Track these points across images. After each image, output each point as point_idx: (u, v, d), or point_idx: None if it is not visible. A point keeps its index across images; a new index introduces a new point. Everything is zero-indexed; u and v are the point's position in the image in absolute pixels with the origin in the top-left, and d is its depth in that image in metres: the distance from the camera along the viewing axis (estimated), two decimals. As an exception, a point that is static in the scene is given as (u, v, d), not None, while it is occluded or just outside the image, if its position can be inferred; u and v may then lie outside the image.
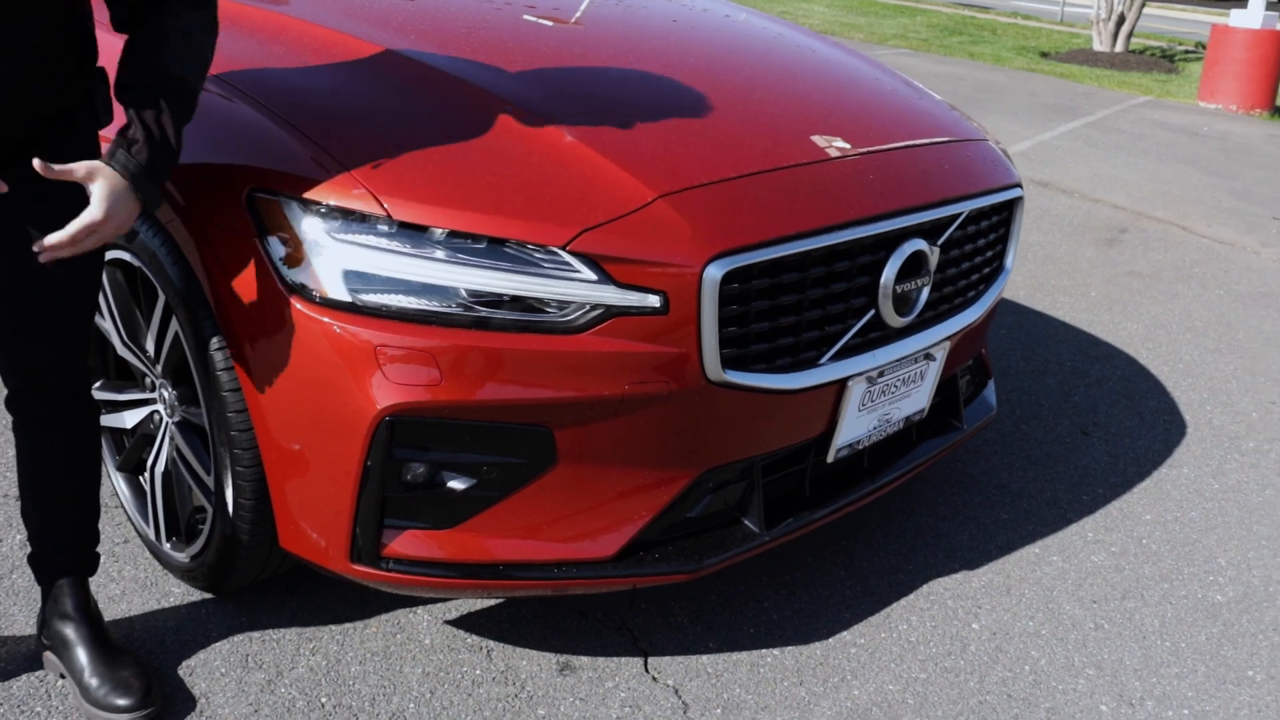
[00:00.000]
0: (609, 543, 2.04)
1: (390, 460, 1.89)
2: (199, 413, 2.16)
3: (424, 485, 1.96)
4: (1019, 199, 2.60)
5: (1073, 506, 2.90)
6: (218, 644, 2.23)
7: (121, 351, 2.35)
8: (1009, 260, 2.64)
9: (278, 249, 1.90)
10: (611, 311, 1.88)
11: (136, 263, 2.17)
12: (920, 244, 2.24)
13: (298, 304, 1.87)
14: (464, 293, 1.86)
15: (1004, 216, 2.60)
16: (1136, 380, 3.66)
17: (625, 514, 2.04)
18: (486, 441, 1.92)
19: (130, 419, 2.42)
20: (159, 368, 2.22)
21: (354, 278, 1.86)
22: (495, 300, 1.87)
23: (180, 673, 2.15)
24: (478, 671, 2.20)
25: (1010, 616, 2.46)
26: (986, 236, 2.53)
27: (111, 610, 2.30)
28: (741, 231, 1.98)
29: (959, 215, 2.34)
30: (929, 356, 2.38)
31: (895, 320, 2.24)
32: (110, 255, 2.27)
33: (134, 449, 2.46)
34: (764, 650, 2.31)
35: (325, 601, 2.37)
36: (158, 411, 2.35)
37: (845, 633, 2.38)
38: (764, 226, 2.01)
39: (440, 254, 1.86)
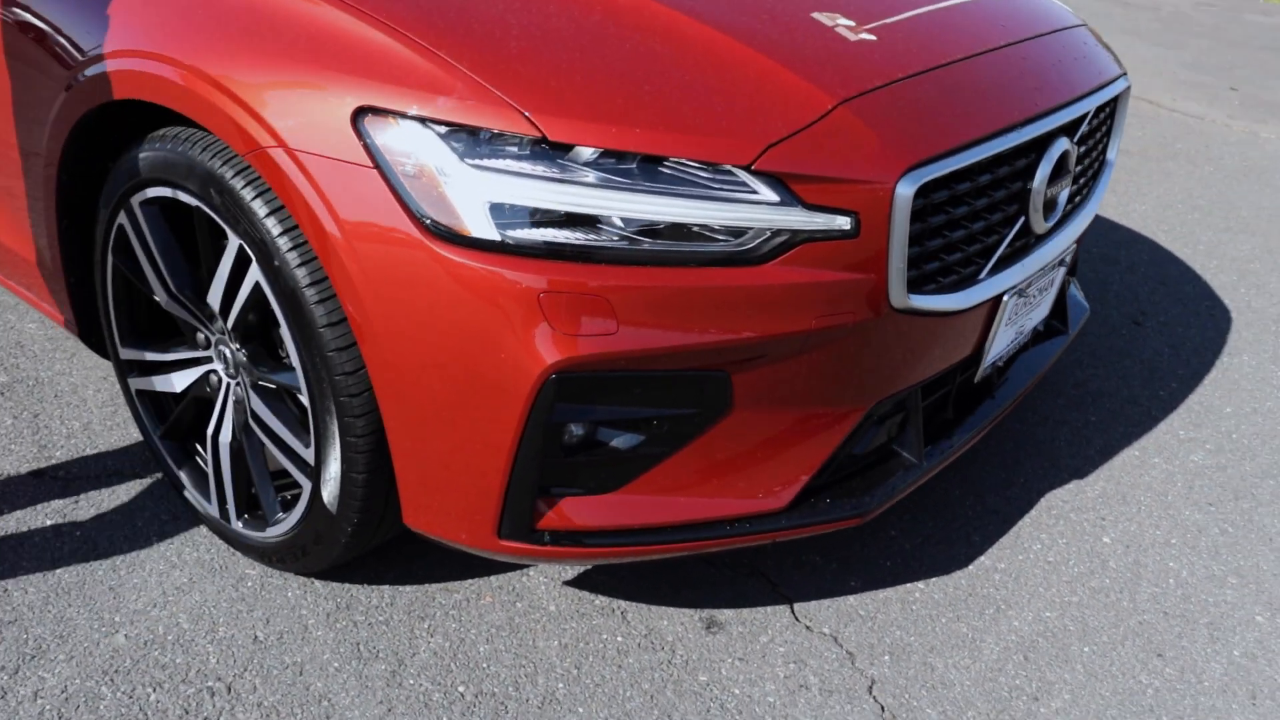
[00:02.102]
0: (782, 492, 1.84)
1: (552, 422, 1.64)
2: (285, 375, 1.86)
3: (584, 446, 1.72)
4: (1127, 88, 2.43)
5: (1154, 404, 2.82)
6: (320, 633, 1.97)
7: (166, 304, 2.01)
8: (1112, 153, 2.48)
9: (402, 181, 1.59)
10: (798, 237, 1.65)
11: (193, 201, 1.83)
12: (1066, 143, 2.05)
13: (433, 245, 1.58)
14: (633, 224, 1.60)
15: (1111, 108, 2.42)
16: (1165, 265, 3.59)
17: (797, 460, 1.84)
18: (658, 393, 1.68)
19: (180, 381, 2.09)
20: (228, 323, 1.89)
21: (502, 211, 1.58)
22: (663, 231, 1.61)
23: (288, 672, 1.89)
24: (619, 638, 2.00)
25: (1136, 527, 2.37)
26: (1101, 130, 2.36)
27: (184, 602, 2.01)
28: (928, 140, 1.75)
29: (1090, 110, 2.16)
30: (1061, 262, 2.22)
31: (1040, 226, 2.06)
32: (149, 194, 1.91)
33: (183, 414, 2.13)
34: (909, 585, 2.17)
35: (421, 570, 2.12)
36: (215, 373, 2.03)
37: (983, 558, 2.25)
38: (947, 133, 1.78)
39: (604, 179, 1.58)
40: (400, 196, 1.59)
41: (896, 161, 1.70)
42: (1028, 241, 2.08)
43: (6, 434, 2.42)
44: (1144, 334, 3.15)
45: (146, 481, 2.31)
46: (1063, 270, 2.26)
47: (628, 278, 1.59)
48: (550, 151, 1.59)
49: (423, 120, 1.58)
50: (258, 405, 1.92)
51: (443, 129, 1.59)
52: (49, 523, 2.18)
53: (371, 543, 1.94)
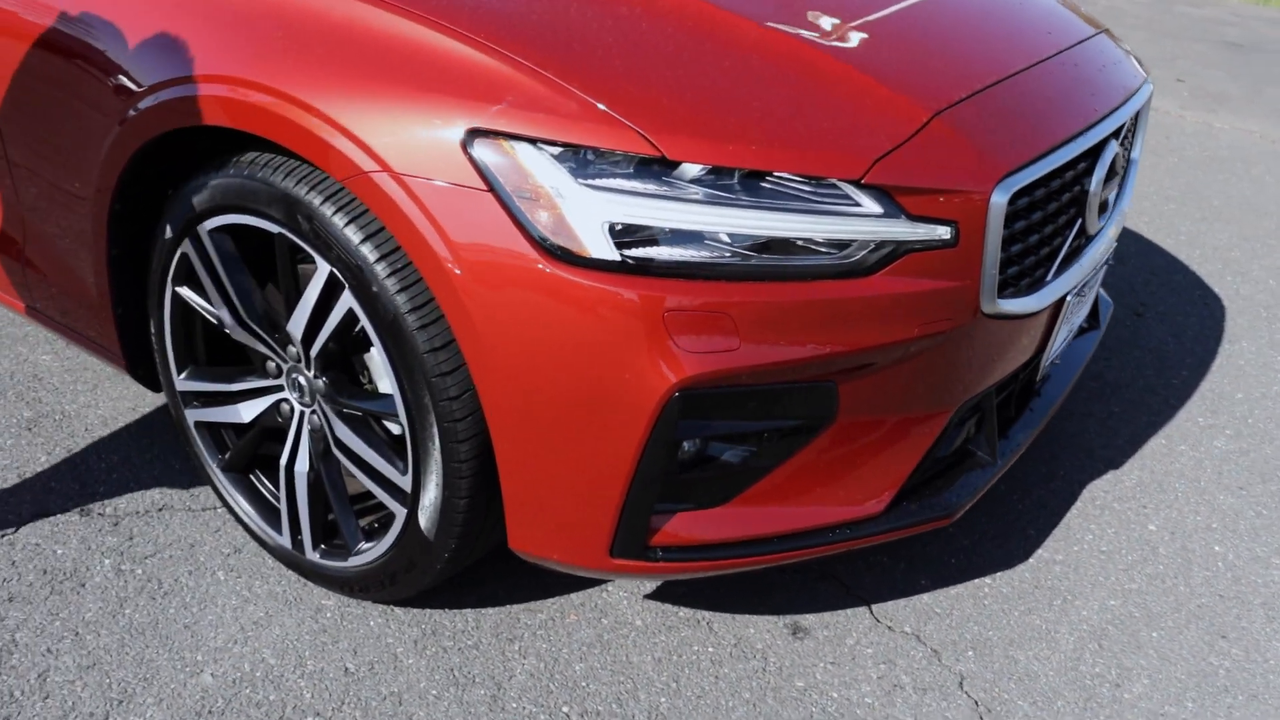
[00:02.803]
0: (879, 497, 1.87)
1: (673, 439, 1.65)
2: (377, 402, 1.83)
3: (697, 462, 1.73)
4: (1151, 91, 2.51)
5: (1169, 392, 2.91)
6: (411, 661, 1.94)
7: (235, 333, 1.96)
8: (1138, 151, 2.56)
9: (517, 203, 1.58)
10: (902, 248, 1.67)
11: (274, 228, 1.79)
12: (1115, 145, 2.12)
13: (552, 267, 1.57)
14: (741, 240, 1.61)
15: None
16: (1152, 256, 3.71)
17: (892, 464, 1.87)
18: (771, 405, 1.70)
19: (248, 412, 2.04)
20: (312, 351, 1.85)
21: (621, 231, 1.58)
22: (770, 246, 1.63)
23: (387, 703, 1.86)
24: (710, 649, 2.01)
25: (1177, 514, 2.45)
26: (1129, 130, 2.44)
27: (265, 636, 1.97)
28: (1015, 148, 1.80)
29: (1135, 113, 2.23)
30: (1107, 261, 2.29)
31: (1094, 226, 2.12)
32: (219, 221, 1.86)
33: (248, 445, 2.08)
34: (976, 581, 2.21)
35: (500, 591, 2.10)
36: (286, 401, 1.99)
37: (1040, 551, 2.31)
38: (1029, 141, 1.83)
39: (712, 196, 1.60)
40: (516, 219, 1.58)
41: (991, 170, 1.74)
42: (1081, 243, 2.14)
43: (44, 471, 2.34)
44: (1146, 325, 3.25)
45: (199, 514, 2.25)
46: (1106, 267, 2.32)
47: (747, 293, 1.60)
48: (662, 170, 1.59)
49: (536, 141, 1.58)
50: (344, 433, 1.88)
51: (556, 150, 1.58)
52: (107, 562, 2.12)
53: (461, 567, 1.92)
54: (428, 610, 2.05)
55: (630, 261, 1.58)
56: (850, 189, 1.64)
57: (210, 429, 2.13)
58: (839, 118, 1.69)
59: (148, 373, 2.24)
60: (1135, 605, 2.18)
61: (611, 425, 1.63)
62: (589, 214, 1.57)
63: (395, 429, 1.91)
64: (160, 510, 2.26)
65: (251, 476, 2.14)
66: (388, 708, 1.85)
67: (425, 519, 1.81)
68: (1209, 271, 3.63)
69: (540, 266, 1.57)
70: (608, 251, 1.57)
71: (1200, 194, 4.32)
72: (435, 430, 1.73)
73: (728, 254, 1.61)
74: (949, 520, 1.95)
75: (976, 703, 1.94)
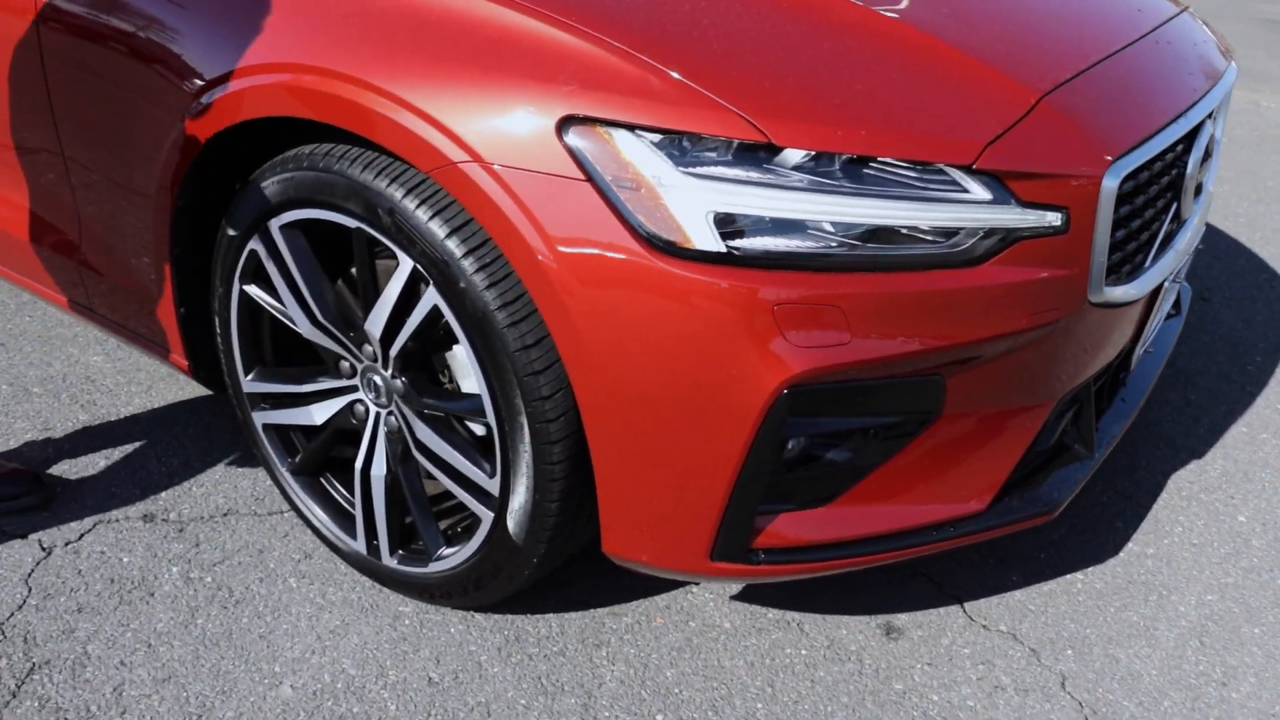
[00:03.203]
0: (982, 494, 1.80)
1: (780, 438, 1.58)
2: (461, 402, 1.77)
3: (801, 461, 1.66)
4: (1236, 71, 2.43)
5: (1244, 379, 2.83)
6: (496, 670, 1.88)
7: (308, 333, 1.89)
8: (1220, 131, 2.48)
9: (617, 193, 1.51)
10: (1012, 236, 1.60)
11: (352, 223, 1.72)
12: (1210, 126, 2.04)
13: (655, 260, 1.50)
14: (844, 229, 1.54)
15: (1220, 84, 2.42)
16: (1214, 240, 3.63)
17: (995, 460, 1.80)
18: (879, 401, 1.63)
19: (320, 414, 1.97)
20: (392, 350, 1.78)
21: (726, 221, 1.51)
22: (875, 236, 1.55)
23: (474, 714, 1.80)
24: (803, 651, 1.95)
25: (1266, 504, 2.38)
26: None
27: (343, 646, 1.90)
28: (1123, 131, 1.72)
29: (1226, 92, 2.15)
30: (1198, 246, 2.21)
31: (1188, 209, 2.05)
32: (292, 216, 1.80)
33: (319, 448, 2.02)
34: (1068, 576, 2.14)
35: (581, 595, 2.04)
36: (361, 402, 1.92)
37: (1130, 545, 2.24)
38: (1135, 123, 1.76)
39: (816, 183, 1.53)
40: (617, 210, 1.51)
41: (1102, 154, 1.66)
42: (1174, 227, 2.07)
43: (104, 476, 2.28)
44: (1214, 309, 3.17)
45: (265, 518, 2.19)
46: (1194, 253, 2.25)
47: (857, 285, 1.53)
48: (766, 157, 1.52)
49: (635, 128, 1.51)
50: (425, 435, 1.82)
51: (656, 137, 1.51)
52: (175, 569, 2.06)
53: (548, 572, 1.86)
54: (509, 615, 1.99)
55: (736, 253, 1.51)
56: (959, 175, 1.57)
57: (279, 431, 2.07)
58: (945, 100, 1.62)
59: (210, 374, 2.17)
60: (1233, 600, 2.11)
61: (716, 424, 1.56)
62: (693, 204, 1.50)
63: (479, 430, 1.84)
64: (225, 515, 2.20)
65: (322, 480, 2.08)
66: (476, 718, 1.79)
67: (514, 523, 1.75)
68: (1272, 254, 3.54)
69: (642, 259, 1.51)
70: (712, 243, 1.50)
71: (1254, 174, 4.23)
72: (526, 431, 1.66)
73: (834, 244, 1.54)
74: (1050, 516, 1.88)
75: (1081, 704, 1.87)
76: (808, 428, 1.61)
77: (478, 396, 1.73)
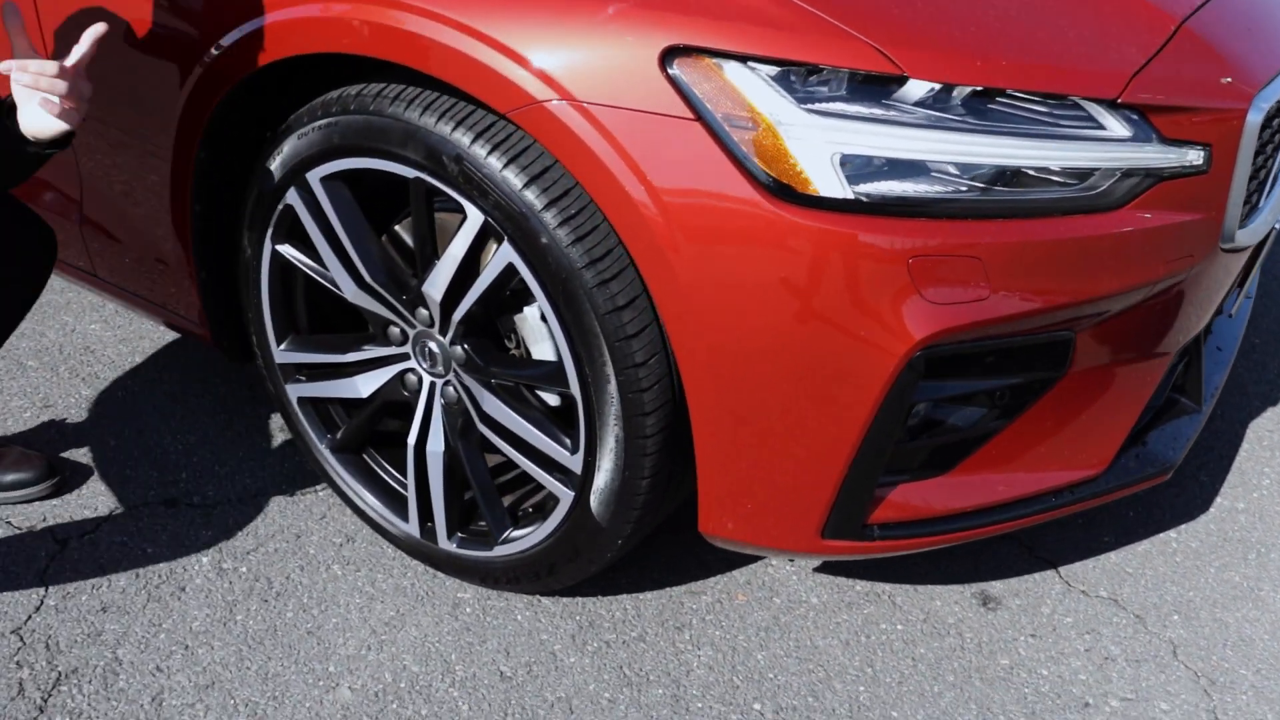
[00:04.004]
0: (1101, 456, 1.66)
1: (909, 404, 1.42)
2: (536, 370, 1.59)
3: (923, 429, 1.51)
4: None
5: (1303, 318, 2.73)
6: (573, 660, 1.73)
7: (354, 296, 1.70)
8: None
9: (730, 133, 1.33)
10: (1151, 176, 1.45)
11: (411, 173, 1.53)
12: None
13: (775, 208, 1.33)
14: (979, 170, 1.38)
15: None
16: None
17: (1113, 419, 1.66)
18: (1010, 361, 1.48)
19: (366, 385, 1.79)
20: (456, 314, 1.60)
21: (855, 164, 1.34)
22: (1008, 179, 1.39)
23: (556, 711, 1.65)
24: (899, 627, 1.81)
25: (1349, 450, 2.28)
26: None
27: (401, 640, 1.74)
28: (1265, 59, 1.58)
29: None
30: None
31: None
32: (336, 166, 1.60)
33: (364, 422, 1.84)
34: (1161, 536, 2.02)
35: (653, 573, 1.88)
36: (414, 372, 1.74)
37: (1219, 499, 2.12)
38: (1270, 53, 1.61)
39: (963, 122, 1.36)
40: (730, 151, 1.33)
41: (1249, 83, 1.51)
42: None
43: (115, 457, 2.08)
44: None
45: (299, 498, 2.01)
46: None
47: (996, 233, 1.37)
48: (892, 91, 1.35)
49: (748, 59, 1.33)
50: (493, 406, 1.64)
51: (772, 69, 1.33)
52: (205, 559, 1.88)
53: (626, 553, 1.70)
54: (578, 599, 1.83)
55: (864, 200, 1.34)
56: (1097, 110, 1.41)
57: (316, 405, 1.88)
58: (1080, 27, 1.46)
59: (234, 344, 1.98)
60: (1335, 555, 2.01)
61: (838, 390, 1.40)
62: (817, 145, 1.33)
63: (552, 400, 1.67)
64: (254, 497, 2.02)
65: (366, 457, 1.90)
66: (558, 716, 1.64)
67: (598, 502, 1.59)
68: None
69: (759, 207, 1.33)
70: (839, 189, 1.33)
71: None
72: (617, 402, 1.49)
73: (963, 188, 1.37)
74: (1167, 476, 1.75)
75: (1197, 674, 1.75)
76: (937, 391, 1.46)
77: (555, 364, 1.56)
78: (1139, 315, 1.56)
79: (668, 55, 1.33)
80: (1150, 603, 1.88)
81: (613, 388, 1.49)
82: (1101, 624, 1.83)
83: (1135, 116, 1.42)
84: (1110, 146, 1.42)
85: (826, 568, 1.91)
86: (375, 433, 1.88)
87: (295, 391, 1.87)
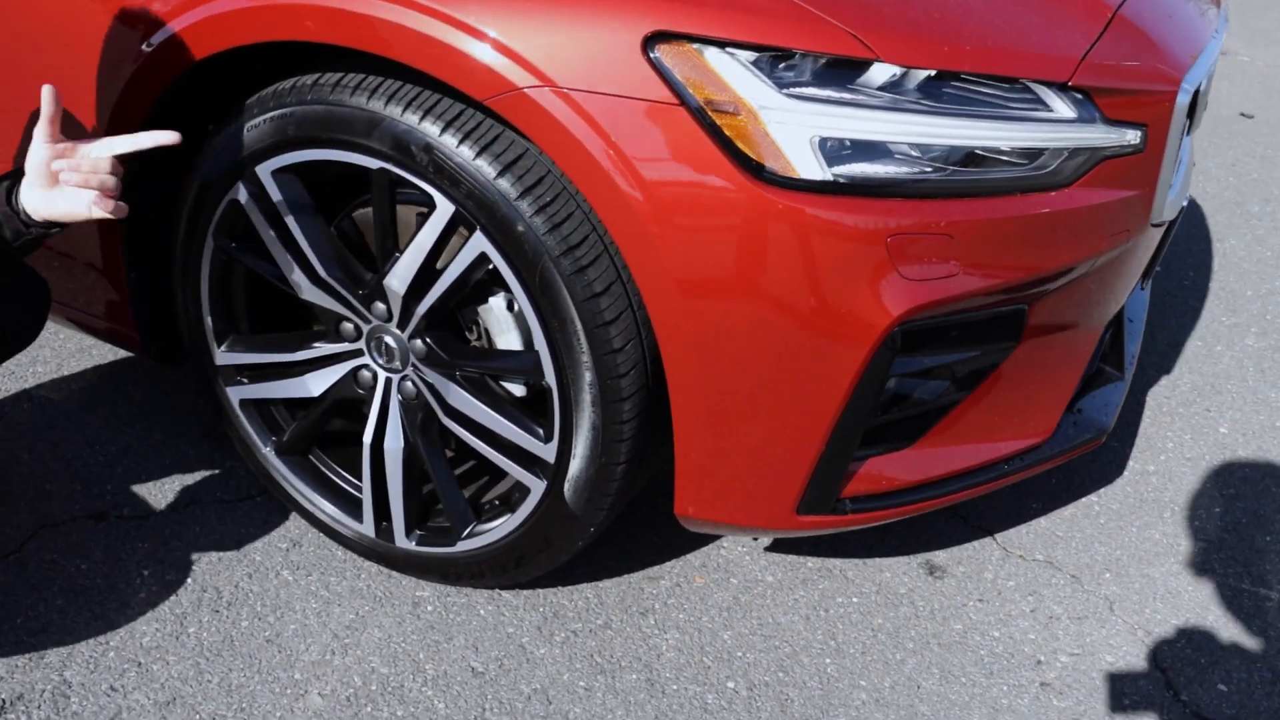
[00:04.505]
0: (1045, 423, 1.75)
1: (885, 379, 1.47)
2: (509, 360, 1.58)
3: (892, 402, 1.56)
4: None
5: (1185, 293, 2.91)
6: (543, 651, 1.72)
7: (308, 294, 1.65)
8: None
9: (712, 118, 1.35)
10: (1096, 155, 1.53)
11: (375, 163, 1.50)
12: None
13: (758, 190, 1.35)
14: (939, 151, 1.43)
15: None
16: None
17: (1056, 387, 1.75)
18: (969, 335, 1.54)
19: (316, 384, 1.74)
20: (421, 306, 1.57)
21: (832, 147, 1.37)
22: (973, 158, 1.45)
23: (534, 703, 1.64)
24: (854, 599, 1.86)
25: (1240, 415, 2.43)
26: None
27: (365, 642, 1.70)
28: (1186, 44, 1.68)
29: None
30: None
31: (1193, 130, 2.04)
32: (289, 159, 1.55)
33: (315, 422, 1.78)
34: (1084, 500, 2.13)
35: (609, 561, 1.89)
36: (367, 368, 1.70)
37: (1131, 463, 2.25)
38: (1190, 38, 1.71)
39: (927, 105, 1.41)
40: (712, 135, 1.35)
41: (1176, 68, 1.61)
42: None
43: (31, 473, 1.96)
44: None
45: (236, 505, 1.94)
46: (1180, 168, 2.25)
47: (966, 211, 1.42)
48: (858, 75, 1.39)
49: (728, 45, 1.35)
50: (460, 400, 1.62)
51: (750, 55, 1.35)
52: (146, 572, 1.80)
53: (594, 541, 1.70)
54: (539, 591, 1.82)
55: (841, 180, 1.38)
56: (1045, 92, 1.48)
57: (258, 407, 1.82)
58: (1030, 13, 1.53)
59: (164, 347, 1.89)
60: (1241, 511, 2.15)
61: (818, 366, 1.44)
62: (797, 128, 1.36)
63: (517, 390, 1.66)
64: (188, 506, 1.93)
65: (312, 458, 1.84)
66: (536, 708, 1.63)
67: (572, 490, 1.58)
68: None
69: (742, 190, 1.35)
70: (817, 171, 1.37)
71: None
72: (594, 389, 1.49)
73: (929, 169, 1.43)
74: (1102, 440, 1.85)
75: (1134, 626, 1.86)
76: (906, 367, 1.51)
77: (527, 354, 1.55)
78: (1080, 288, 1.64)
79: (649, 41, 1.34)
80: (1083, 563, 1.98)
81: (590, 375, 1.49)
82: (1041, 585, 1.93)
83: (1081, 98, 1.50)
84: (1059, 127, 1.49)
85: (778, 545, 1.95)
86: (323, 433, 1.83)
87: (237, 394, 1.80)
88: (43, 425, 2.07)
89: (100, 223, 1.73)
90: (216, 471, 2.01)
